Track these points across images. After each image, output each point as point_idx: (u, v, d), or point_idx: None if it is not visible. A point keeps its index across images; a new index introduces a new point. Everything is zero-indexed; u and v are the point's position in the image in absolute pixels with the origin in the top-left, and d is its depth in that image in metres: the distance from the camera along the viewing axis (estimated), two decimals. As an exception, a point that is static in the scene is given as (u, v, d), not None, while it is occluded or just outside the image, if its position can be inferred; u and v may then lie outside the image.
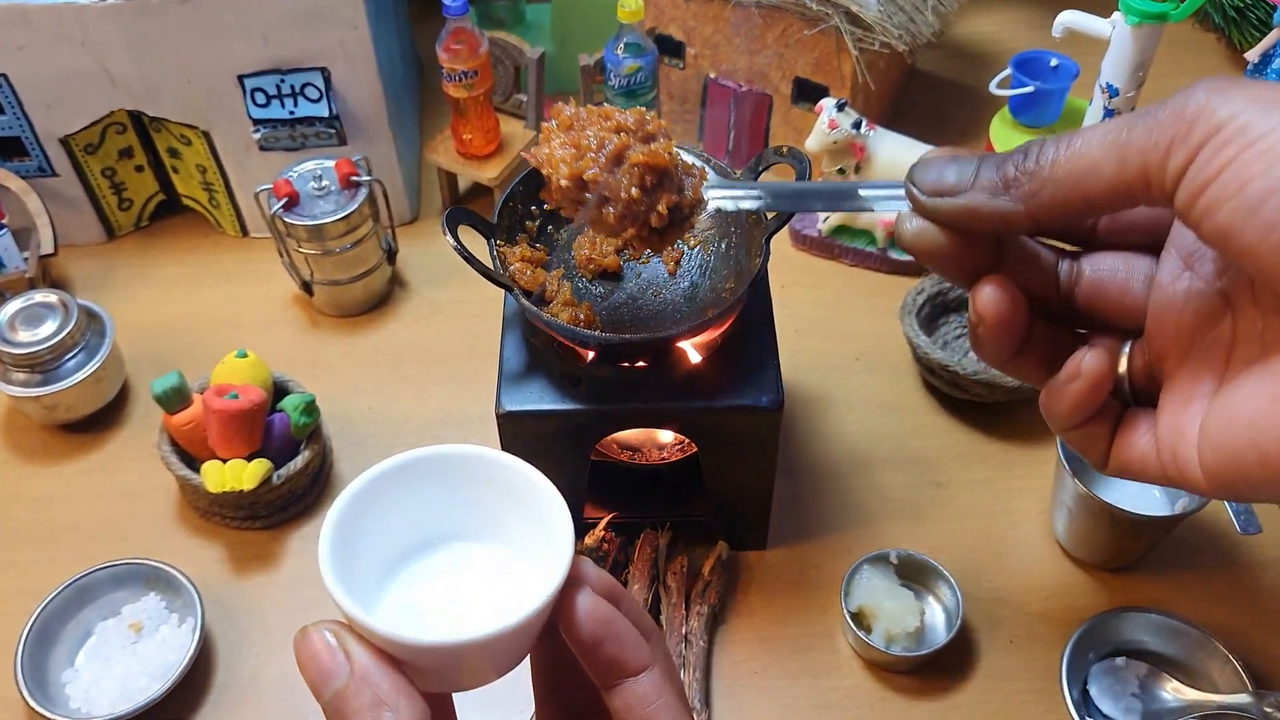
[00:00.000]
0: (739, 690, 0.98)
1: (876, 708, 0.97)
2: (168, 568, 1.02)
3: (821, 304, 1.28)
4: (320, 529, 0.43)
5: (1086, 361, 0.44)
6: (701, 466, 0.99)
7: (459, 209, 0.91)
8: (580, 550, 0.51)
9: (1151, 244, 0.45)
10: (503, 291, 0.93)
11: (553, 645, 0.45)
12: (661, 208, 0.67)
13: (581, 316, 0.92)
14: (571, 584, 0.43)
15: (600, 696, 0.45)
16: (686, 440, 1.04)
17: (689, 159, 0.78)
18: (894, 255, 1.29)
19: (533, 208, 0.98)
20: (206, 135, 1.26)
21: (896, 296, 1.24)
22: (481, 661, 0.43)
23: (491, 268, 0.91)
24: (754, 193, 0.58)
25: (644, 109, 0.73)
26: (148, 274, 1.35)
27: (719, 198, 0.60)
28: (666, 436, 1.04)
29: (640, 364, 0.93)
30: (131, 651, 1.00)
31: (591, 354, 0.93)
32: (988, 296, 0.44)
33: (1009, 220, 0.42)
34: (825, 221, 1.30)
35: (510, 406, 0.91)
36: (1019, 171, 0.41)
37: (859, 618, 0.99)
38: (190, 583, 1.01)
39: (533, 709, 0.51)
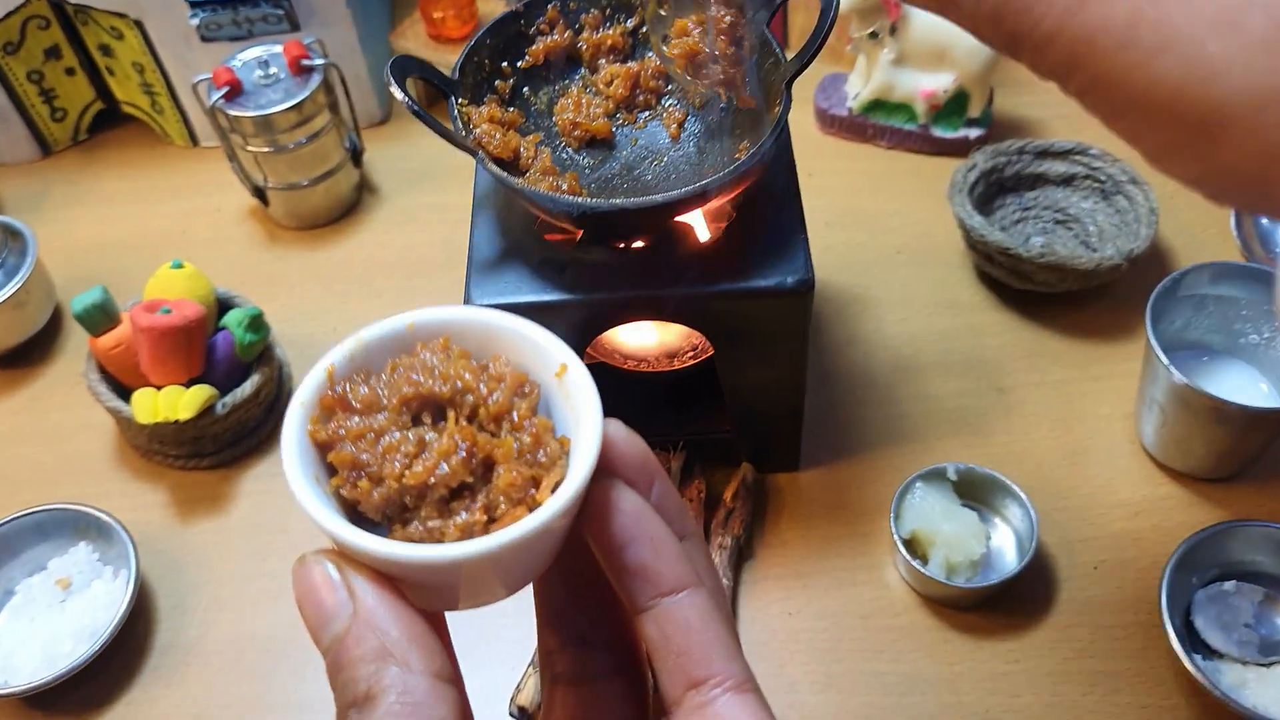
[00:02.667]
0: (772, 635, 0.82)
1: (936, 650, 0.80)
2: (99, 513, 0.87)
3: (854, 192, 1.11)
4: (281, 451, 0.36)
5: None
6: (718, 370, 0.83)
7: (407, 57, 0.74)
8: None
9: None
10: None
11: (562, 557, 0.39)
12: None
13: (565, 188, 0.75)
14: (600, 473, 0.36)
15: (619, 624, 0.40)
16: (700, 345, 0.88)
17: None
18: (938, 132, 1.11)
19: (503, 64, 0.81)
20: (139, 25, 1.10)
21: (942, 179, 1.07)
22: (492, 577, 0.36)
23: (451, 128, 0.74)
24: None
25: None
26: (88, 191, 1.19)
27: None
28: (676, 340, 0.88)
29: (638, 244, 0.76)
30: (59, 610, 0.85)
31: (579, 233, 0.76)
32: None
33: None
34: (856, 98, 1.13)
35: (482, 300, 0.75)
36: None
37: (912, 545, 0.83)
38: (123, 529, 0.86)
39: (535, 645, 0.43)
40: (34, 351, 1.05)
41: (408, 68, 0.75)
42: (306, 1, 1.09)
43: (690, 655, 0.35)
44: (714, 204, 0.76)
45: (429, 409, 0.38)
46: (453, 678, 0.34)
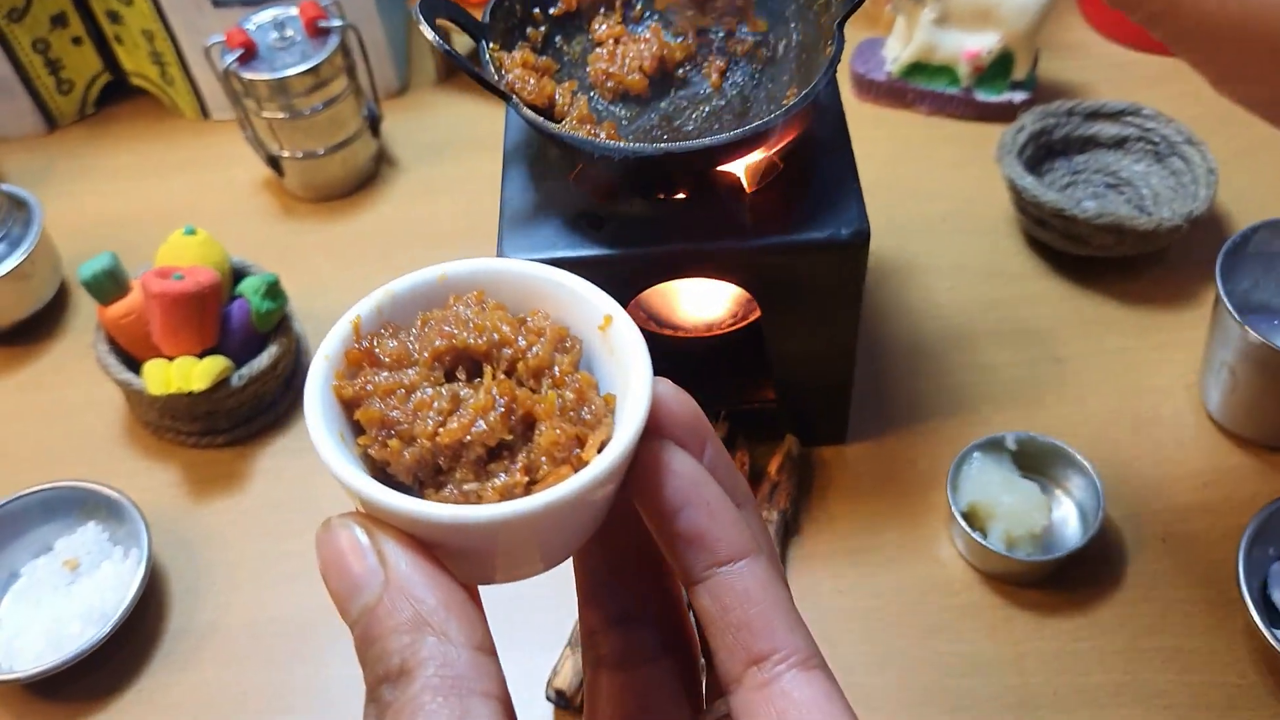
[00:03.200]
0: (822, 615, 0.77)
1: (999, 629, 0.76)
2: (109, 490, 0.83)
3: (894, 159, 1.06)
4: (305, 407, 0.33)
5: None
6: (764, 334, 0.78)
7: (438, -3, 0.70)
8: None
9: None
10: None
11: (604, 528, 0.36)
12: None
13: (602, 136, 0.71)
14: (649, 434, 0.33)
15: (667, 601, 0.38)
16: (739, 312, 0.83)
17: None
18: (981, 96, 1.06)
19: (535, 9, 0.77)
20: (149, -11, 1.05)
21: (986, 145, 1.02)
22: (532, 544, 0.33)
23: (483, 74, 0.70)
24: None
25: None
26: (94, 166, 1.14)
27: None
28: (715, 305, 0.83)
29: (680, 195, 0.72)
30: (66, 594, 0.80)
31: (618, 184, 0.72)
32: None
33: None
34: (895, 61, 1.08)
35: (515, 256, 0.70)
36: None
37: (970, 519, 0.78)
38: (135, 506, 0.82)
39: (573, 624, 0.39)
40: (38, 328, 1.00)
41: (436, 6, 0.70)
42: (323, -37, 1.04)
43: (751, 628, 0.32)
44: (762, 153, 0.72)
45: (463, 364, 0.35)
46: (494, 651, 0.31)
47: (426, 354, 0.34)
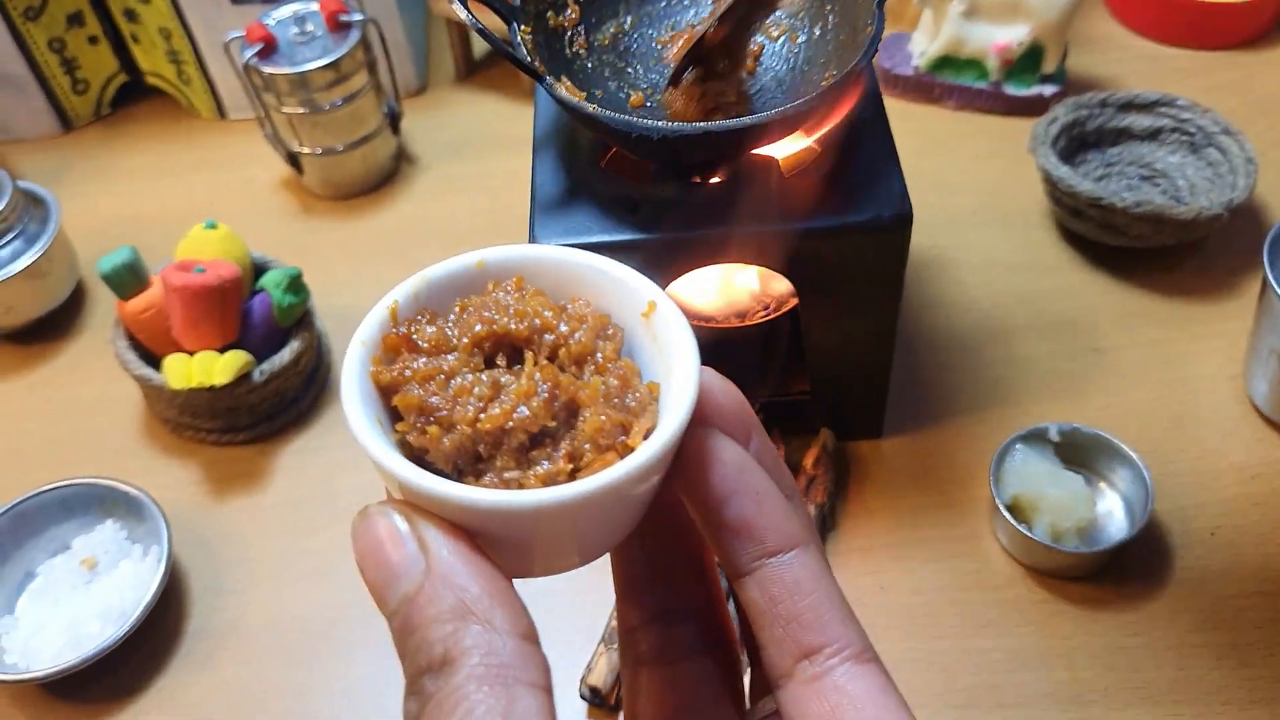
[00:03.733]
0: (862, 612, 0.73)
1: (1047, 624, 0.73)
2: (128, 487, 0.81)
3: (922, 154, 1.04)
4: (341, 391, 0.32)
5: None
6: (801, 323, 0.76)
7: (468, -26, 0.68)
8: None
9: None
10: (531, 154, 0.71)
11: (644, 522, 0.34)
12: None
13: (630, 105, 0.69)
14: (695, 422, 0.32)
15: (708, 597, 0.37)
16: (771, 303, 0.81)
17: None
18: (1010, 90, 1.05)
19: (565, -7, 0.75)
20: (167, -14, 1.04)
21: (1015, 139, 1.01)
22: (573, 535, 0.32)
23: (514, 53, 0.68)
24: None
25: None
26: (110, 167, 1.13)
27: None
28: (746, 296, 0.81)
29: (716, 179, 0.70)
30: (85, 592, 0.78)
31: (653, 167, 0.70)
32: None
33: None
34: (923, 55, 1.07)
35: (548, 242, 0.69)
36: None
37: (1014, 512, 0.76)
38: (155, 504, 0.80)
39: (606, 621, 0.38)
40: (55, 327, 0.98)
41: (468, -14, 0.69)
42: (342, -42, 1.03)
43: (802, 621, 0.31)
44: (800, 137, 0.70)
45: (503, 350, 0.33)
46: (538, 640, 0.29)
47: (466, 339, 0.33)
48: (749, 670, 0.37)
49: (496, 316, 0.33)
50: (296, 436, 0.89)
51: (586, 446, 0.31)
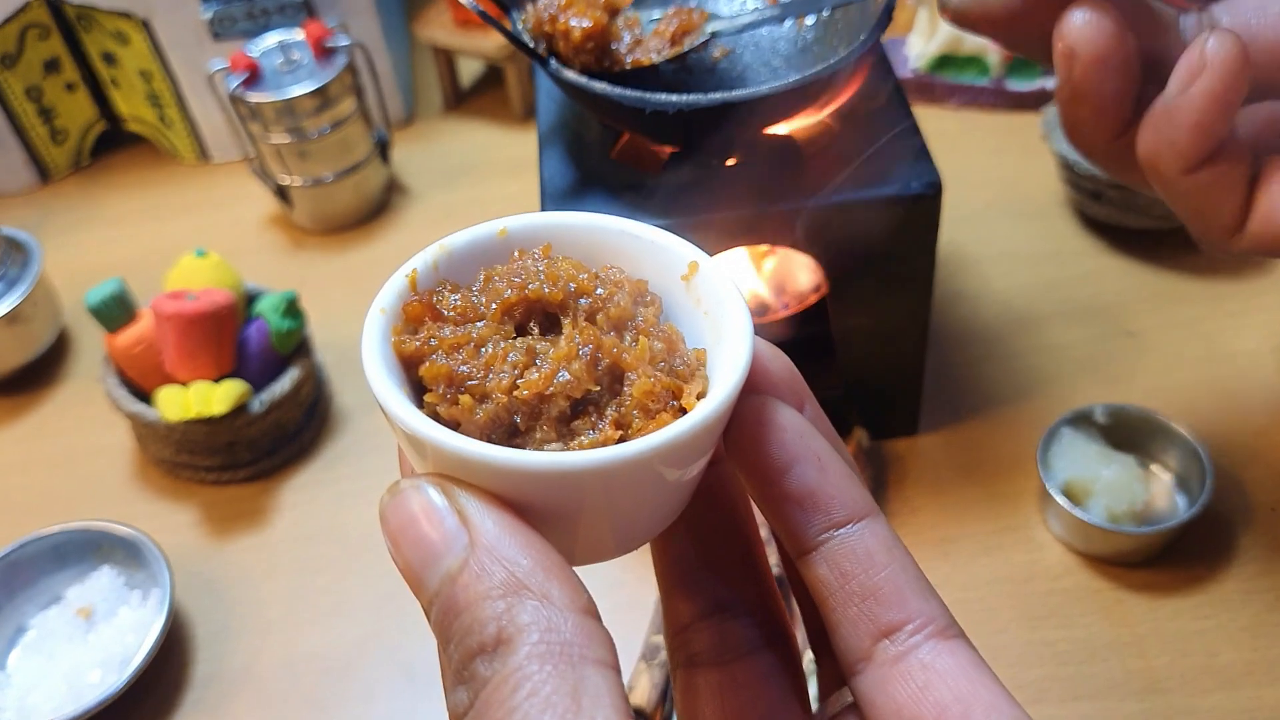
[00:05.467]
0: (913, 612, 0.70)
1: (1112, 612, 0.69)
2: (125, 529, 0.76)
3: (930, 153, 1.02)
4: (363, 361, 0.30)
5: (1212, 47, 0.36)
6: (830, 310, 0.73)
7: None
8: None
9: None
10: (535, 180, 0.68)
11: (690, 508, 0.32)
12: None
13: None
14: (747, 389, 0.29)
15: (763, 588, 0.34)
16: (796, 295, 0.78)
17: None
18: (1013, 85, 1.03)
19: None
20: (146, 26, 1.01)
21: (1023, 134, 0.99)
22: (620, 508, 0.29)
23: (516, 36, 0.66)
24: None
25: None
26: (92, 216, 1.09)
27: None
28: (769, 290, 0.78)
29: (731, 161, 0.67)
30: (82, 644, 0.73)
31: (667, 150, 0.67)
32: (1080, 22, 0.38)
33: None
34: (920, 56, 1.05)
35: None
36: None
37: (1067, 498, 0.72)
38: (154, 544, 0.75)
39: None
40: (39, 376, 0.94)
41: (466, -26, 0.66)
42: (325, -12, 1.01)
43: (878, 596, 0.29)
44: (815, 113, 0.67)
45: (536, 319, 0.31)
46: (599, 617, 0.26)
47: (496, 306, 0.30)
48: (818, 663, 0.34)
49: (528, 281, 0.30)
50: (299, 471, 0.84)
51: (635, 413, 0.29)
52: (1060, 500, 0.70)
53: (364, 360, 0.29)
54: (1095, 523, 0.69)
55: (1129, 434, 0.75)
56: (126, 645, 0.71)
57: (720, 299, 0.31)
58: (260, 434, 0.82)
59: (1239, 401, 0.79)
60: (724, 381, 0.28)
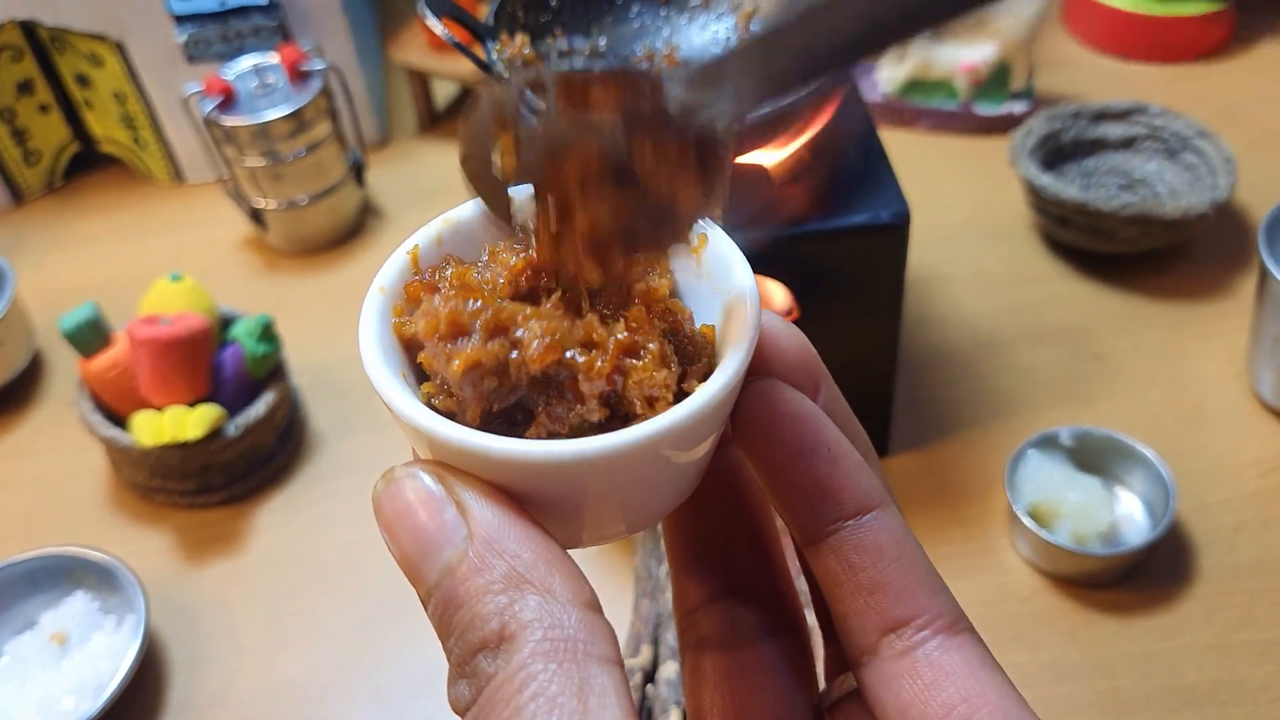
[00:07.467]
0: (885, 634, 0.71)
1: (1078, 633, 0.70)
2: (98, 555, 0.76)
3: (900, 176, 1.03)
4: (360, 344, 0.28)
5: None
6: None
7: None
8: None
9: None
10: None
11: (700, 490, 0.31)
12: None
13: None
14: (756, 371, 0.29)
15: (774, 573, 0.33)
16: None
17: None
18: (980, 109, 1.05)
19: (544, 14, 0.74)
20: (120, 47, 1.02)
21: (991, 157, 1.01)
22: (623, 494, 0.28)
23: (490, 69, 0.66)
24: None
25: None
26: (66, 236, 1.09)
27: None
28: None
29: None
30: (55, 670, 0.73)
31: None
32: None
33: None
34: (890, 81, 1.06)
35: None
36: None
37: (1033, 520, 0.73)
38: (129, 570, 0.75)
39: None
40: (12, 398, 0.94)
41: (441, 6, 0.67)
42: (300, 11, 1.02)
43: (887, 590, 0.28)
44: (787, 140, 0.68)
45: (548, 288, 0.29)
46: (602, 611, 0.26)
47: (503, 280, 0.29)
48: (825, 648, 0.33)
49: (534, 253, 0.29)
50: (274, 495, 0.84)
51: (635, 396, 0.28)
52: (1027, 522, 0.71)
53: (360, 342, 0.28)
54: (1062, 544, 0.70)
55: (1095, 456, 0.76)
56: (100, 671, 0.71)
57: (728, 274, 0.30)
58: (235, 458, 0.82)
59: (1201, 425, 0.81)
60: (728, 363, 0.27)
